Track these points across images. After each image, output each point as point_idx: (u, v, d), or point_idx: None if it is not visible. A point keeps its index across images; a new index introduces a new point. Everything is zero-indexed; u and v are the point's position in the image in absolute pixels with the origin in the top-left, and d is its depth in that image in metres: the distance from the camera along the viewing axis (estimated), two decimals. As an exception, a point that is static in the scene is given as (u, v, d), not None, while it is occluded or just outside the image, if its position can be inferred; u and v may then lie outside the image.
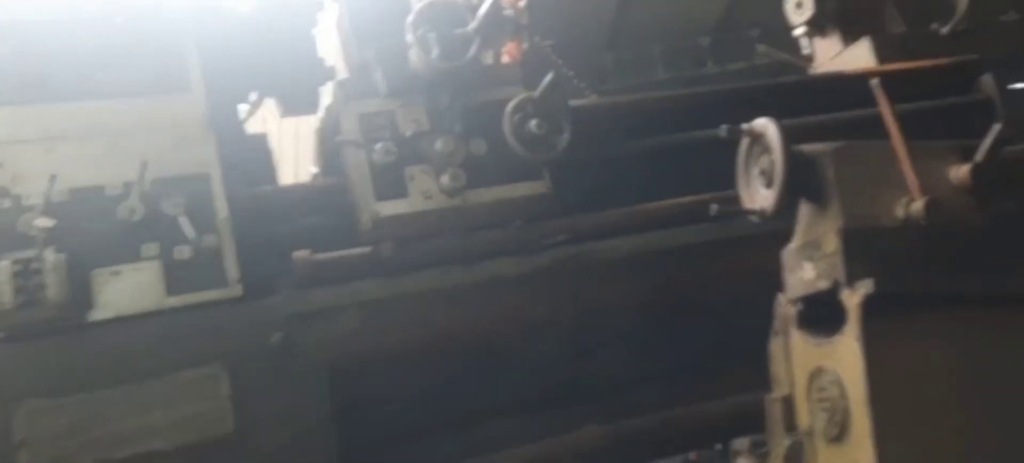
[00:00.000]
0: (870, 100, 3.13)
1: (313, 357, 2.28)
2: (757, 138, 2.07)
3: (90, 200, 2.23)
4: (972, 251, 1.99)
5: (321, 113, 2.66)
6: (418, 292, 2.40)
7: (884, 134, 1.99)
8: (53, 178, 2.15)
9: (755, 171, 2.09)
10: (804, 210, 2.05)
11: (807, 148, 2.03)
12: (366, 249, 2.39)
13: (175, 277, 2.25)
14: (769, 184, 2.02)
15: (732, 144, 2.84)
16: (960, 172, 1.99)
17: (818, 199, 2.00)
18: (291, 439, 2.23)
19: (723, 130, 2.10)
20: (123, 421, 2.13)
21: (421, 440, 2.46)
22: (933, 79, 3.30)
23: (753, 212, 2.08)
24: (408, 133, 2.40)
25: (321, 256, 2.35)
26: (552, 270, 2.51)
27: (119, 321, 2.18)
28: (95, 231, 2.21)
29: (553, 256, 2.52)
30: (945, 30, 3.51)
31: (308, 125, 2.98)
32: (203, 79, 2.40)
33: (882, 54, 3.35)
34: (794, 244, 2.07)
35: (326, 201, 2.52)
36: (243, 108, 2.82)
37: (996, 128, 1.97)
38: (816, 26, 3.53)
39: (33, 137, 2.24)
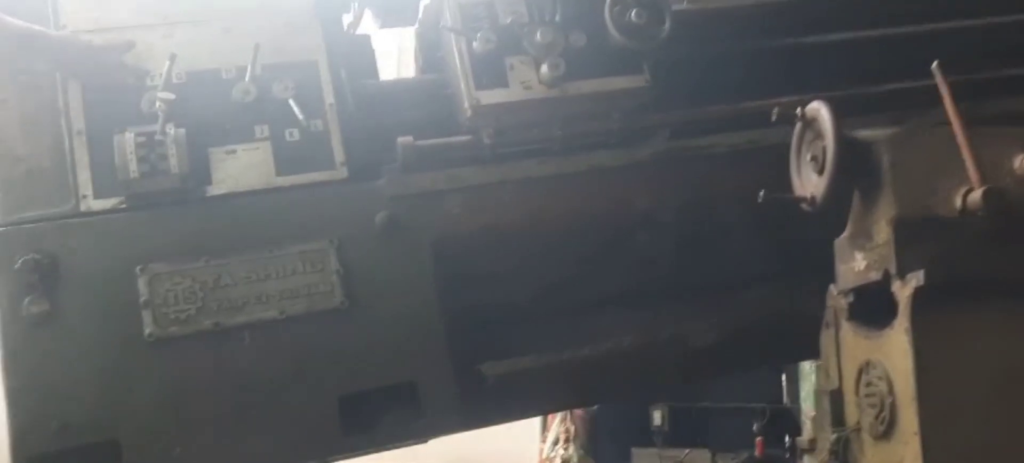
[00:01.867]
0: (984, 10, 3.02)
1: (417, 237, 2.33)
2: (810, 122, 2.00)
3: (206, 82, 2.33)
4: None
5: (420, 16, 2.72)
6: (517, 179, 2.43)
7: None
8: (173, 57, 2.25)
9: (807, 156, 2.02)
10: (857, 198, 1.98)
11: (862, 134, 1.95)
12: (466, 137, 2.43)
13: (285, 158, 2.33)
14: (821, 171, 1.95)
15: (829, 50, 2.81)
16: None
17: (871, 187, 1.92)
18: (398, 313, 2.29)
19: (774, 114, 2.04)
20: (237, 288, 2.21)
21: (522, 323, 2.48)
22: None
23: (804, 199, 2.01)
24: (507, 22, 2.43)
25: (423, 142, 2.39)
26: (652, 163, 2.51)
27: (234, 196, 2.27)
28: (211, 111, 2.30)
29: (652, 149, 2.52)
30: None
31: (408, 38, 3.04)
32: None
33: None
34: (846, 233, 2.00)
35: (428, 94, 2.56)
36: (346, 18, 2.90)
37: None
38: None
39: (153, 21, 2.34)
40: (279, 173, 2.31)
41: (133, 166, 2.17)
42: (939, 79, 1.91)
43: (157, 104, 2.20)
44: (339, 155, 2.35)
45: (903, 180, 1.88)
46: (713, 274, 2.64)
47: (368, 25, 3.03)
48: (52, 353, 2.10)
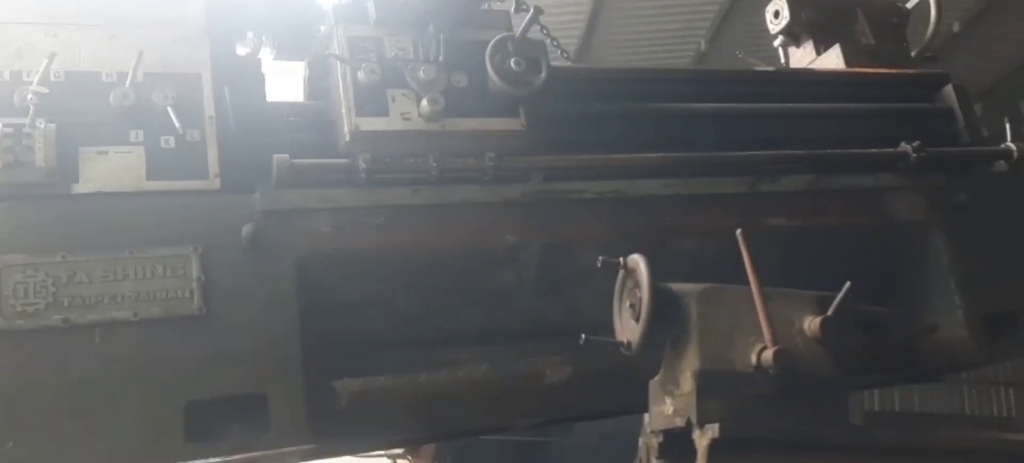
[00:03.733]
0: (828, 97, 3.32)
1: (283, 252, 2.36)
2: (630, 272, 2.16)
3: (86, 84, 2.35)
4: (820, 400, 2.05)
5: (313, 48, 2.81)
6: (390, 205, 2.50)
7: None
8: (52, 55, 2.27)
9: (627, 303, 2.17)
10: (669, 346, 2.12)
11: (675, 287, 2.12)
12: (343, 160, 2.49)
13: (158, 164, 2.35)
14: (637, 318, 2.09)
15: (691, 117, 3.02)
16: (813, 323, 2.06)
17: (681, 337, 2.07)
18: (255, 325, 2.30)
19: (599, 262, 2.18)
20: (92, 286, 2.20)
21: (380, 349, 2.51)
22: (898, 86, 3.47)
23: (622, 344, 2.16)
24: (392, 56, 2.54)
25: (299, 161, 2.45)
26: (521, 202, 2.62)
27: (100, 196, 2.28)
28: (87, 112, 2.32)
29: (523, 189, 2.63)
30: (914, 53, 3.72)
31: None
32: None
33: (851, 61, 3.53)
34: (658, 377, 2.13)
35: (311, 119, 2.64)
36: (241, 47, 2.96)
37: (847, 286, 2.07)
38: (791, 35, 3.72)
39: (39, 20, 2.37)
40: (150, 178, 2.33)
41: (-4, 155, 2.17)
42: (741, 244, 2.09)
43: (29, 97, 2.21)
44: (214, 167, 2.38)
45: (707, 334, 2.05)
46: (572, 317, 2.72)
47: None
48: None
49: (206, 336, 2.25)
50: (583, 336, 2.22)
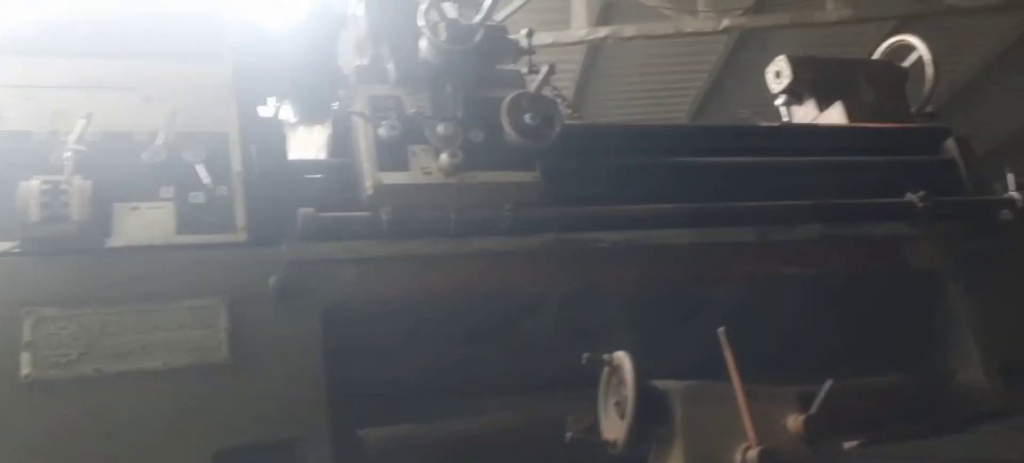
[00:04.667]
0: (834, 151, 3.42)
1: (309, 302, 2.42)
2: (615, 369, 2.19)
3: (119, 143, 2.44)
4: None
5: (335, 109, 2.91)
6: (411, 255, 2.56)
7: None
8: (89, 116, 2.37)
9: (612, 401, 2.18)
10: (654, 444, 2.13)
11: (660, 384, 2.13)
12: (366, 213, 2.57)
13: (187, 218, 2.43)
14: (623, 416, 2.10)
15: (701, 170, 3.11)
16: (796, 422, 2.08)
17: (666, 436, 2.09)
18: (282, 374, 2.34)
19: (584, 358, 2.21)
20: (124, 337, 2.25)
21: (405, 397, 2.54)
22: (901, 139, 3.57)
23: (608, 442, 2.17)
24: (412, 113, 2.64)
25: (324, 214, 2.53)
26: (540, 251, 2.68)
27: (132, 249, 2.35)
28: (120, 170, 2.41)
29: (541, 239, 2.70)
30: (914, 110, 3.83)
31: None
32: (235, 56, 2.66)
33: (853, 117, 3.63)
34: None
35: (334, 175, 2.72)
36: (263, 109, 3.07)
37: (828, 384, 2.09)
38: (793, 94, 3.83)
39: (76, 83, 2.48)
40: (180, 231, 2.41)
41: (34, 211, 2.24)
42: (724, 345, 2.13)
43: (66, 154, 2.30)
44: (241, 220, 2.46)
45: (692, 433, 2.06)
46: (596, 365, 2.75)
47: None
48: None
49: (234, 384, 2.29)
50: (569, 434, 2.21)
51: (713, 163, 3.13)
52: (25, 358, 2.16)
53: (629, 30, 7.85)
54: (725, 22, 7.79)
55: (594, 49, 8.66)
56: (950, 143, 3.53)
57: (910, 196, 3.14)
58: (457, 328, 2.62)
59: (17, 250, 2.26)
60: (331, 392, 2.36)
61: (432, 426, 2.47)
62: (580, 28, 7.78)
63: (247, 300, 2.37)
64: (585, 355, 2.18)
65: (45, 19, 2.55)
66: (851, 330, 3.02)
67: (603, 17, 8.18)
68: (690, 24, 7.82)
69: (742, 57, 8.98)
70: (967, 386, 2.98)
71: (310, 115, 3.16)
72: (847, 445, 3.91)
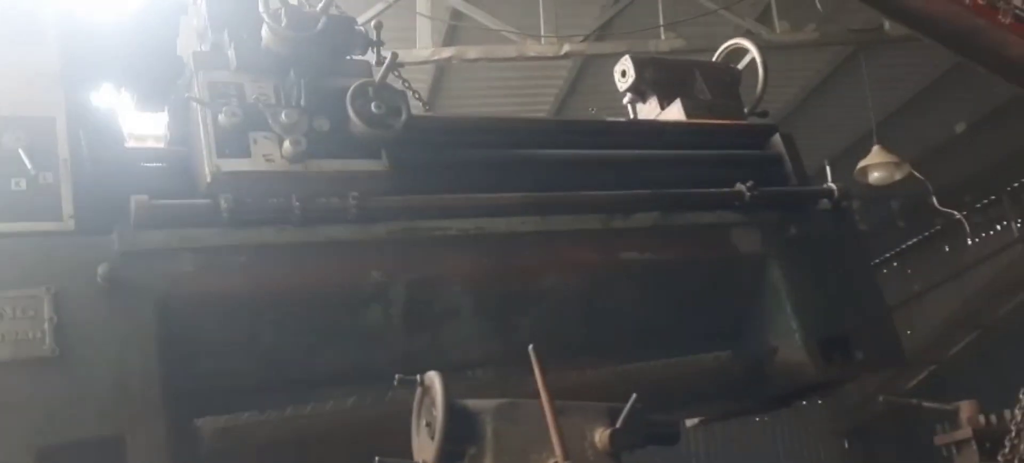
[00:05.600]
0: (673, 146, 3.62)
1: (141, 293, 2.34)
2: (427, 390, 2.17)
3: (-71, 126, 2.29)
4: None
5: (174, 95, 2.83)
6: (253, 244, 2.52)
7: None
8: None
9: (423, 422, 2.17)
10: (467, 460, 2.11)
11: (471, 403, 2.13)
12: (205, 201, 2.51)
13: (8, 205, 2.30)
14: (433, 435, 2.09)
15: (549, 163, 3.22)
16: (603, 436, 2.11)
17: (477, 455, 2.09)
18: (112, 367, 2.25)
19: (396, 380, 2.18)
20: (-65, 331, 2.11)
21: (247, 391, 2.50)
22: (733, 135, 3.81)
23: None
24: (253, 100, 2.60)
25: (159, 201, 2.45)
26: (387, 241, 2.70)
27: (-53, 237, 2.21)
28: (-69, 154, 2.26)
29: (388, 227, 2.72)
30: (747, 111, 4.10)
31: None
32: (60, 42, 2.54)
33: (691, 114, 3.85)
34: None
35: (170, 163, 2.64)
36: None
37: (634, 398, 2.13)
38: (637, 92, 4.02)
39: None
40: (1, 219, 2.28)
41: None
42: (533, 360, 2.13)
43: None
44: (68, 208, 2.35)
45: (502, 451, 2.07)
46: (440, 354, 2.80)
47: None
48: None
49: (59, 379, 2.20)
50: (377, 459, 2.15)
51: (558, 155, 3.25)
52: None
53: (473, 52, 8.03)
54: (566, 48, 8.09)
55: (440, 70, 8.79)
56: (776, 139, 3.81)
57: (739, 186, 3.36)
58: (301, 319, 2.60)
59: None
60: (167, 385, 2.30)
61: (272, 415, 2.43)
62: (425, 48, 7.88)
63: (74, 291, 2.27)
64: (396, 377, 2.17)
65: None
66: (683, 313, 3.20)
67: (449, 38, 8.32)
68: (533, 48, 8.07)
69: (586, 82, 9.35)
70: (788, 362, 3.22)
71: (148, 103, 3.05)
72: (689, 423, 4.16)
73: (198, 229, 2.48)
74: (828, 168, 3.76)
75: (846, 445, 14.73)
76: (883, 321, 3.48)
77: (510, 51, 8.12)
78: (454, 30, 8.40)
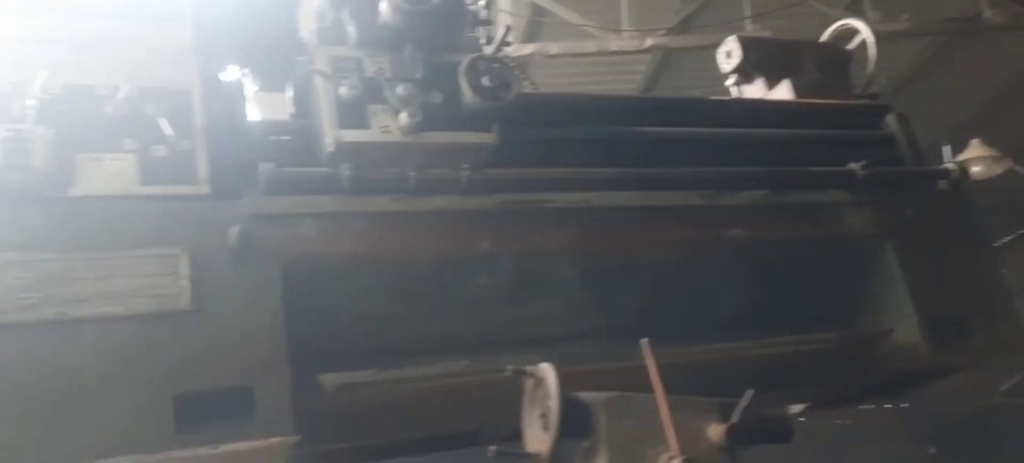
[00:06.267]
0: (777, 124, 3.57)
1: (268, 253, 2.48)
2: (539, 382, 2.21)
3: (81, 96, 2.47)
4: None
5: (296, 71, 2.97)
6: (371, 212, 2.64)
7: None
8: (51, 67, 2.41)
9: (536, 413, 2.20)
10: (579, 456, 2.17)
11: (584, 396, 2.15)
12: (327, 169, 2.64)
13: (149, 170, 2.47)
14: (547, 428, 2.13)
15: (654, 141, 3.22)
16: (717, 431, 2.13)
17: (590, 448, 2.13)
18: (242, 321, 2.39)
19: (508, 370, 2.23)
20: (86, 283, 2.29)
21: (362, 353, 2.61)
22: (844, 115, 3.73)
23: (531, 455, 2.20)
24: (372, 73, 2.71)
25: (285, 169, 2.59)
26: (496, 211, 2.77)
27: (94, 199, 2.39)
28: (83, 122, 2.45)
29: (497, 200, 2.79)
30: (858, 91, 3.99)
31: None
32: (193, 17, 2.71)
33: (800, 95, 3.78)
34: None
35: (295, 135, 2.78)
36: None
37: (750, 393, 2.14)
38: (743, 73, 3.97)
39: (36, 38, 2.51)
40: (143, 183, 2.45)
41: (-3, 157, 2.28)
42: (646, 354, 2.17)
43: (29, 102, 2.34)
44: (203, 173, 2.51)
45: (616, 444, 2.10)
46: (544, 324, 2.86)
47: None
48: None
49: (195, 331, 2.34)
50: (492, 448, 2.24)
51: (663, 133, 3.25)
52: (-13, 302, 2.20)
53: (554, 48, 8.01)
54: (648, 41, 7.99)
55: (521, 66, 8.83)
56: (891, 119, 3.70)
57: (851, 165, 3.28)
58: (413, 283, 2.70)
59: (-23, 198, 2.29)
60: (291, 341, 2.42)
61: (389, 374, 2.54)
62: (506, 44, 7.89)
63: (208, 250, 2.42)
64: (507, 368, 2.20)
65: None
66: (790, 294, 3.16)
67: (529, 34, 8.34)
68: (615, 42, 7.99)
69: (665, 78, 9.22)
70: (902, 344, 3.13)
71: (269, 82, 3.21)
72: (794, 411, 4.08)
73: (320, 196, 2.61)
74: (946, 149, 3.61)
75: (932, 451, 14.07)
76: (1004, 307, 3.34)
77: (591, 46, 8.09)
78: (534, 25, 8.42)
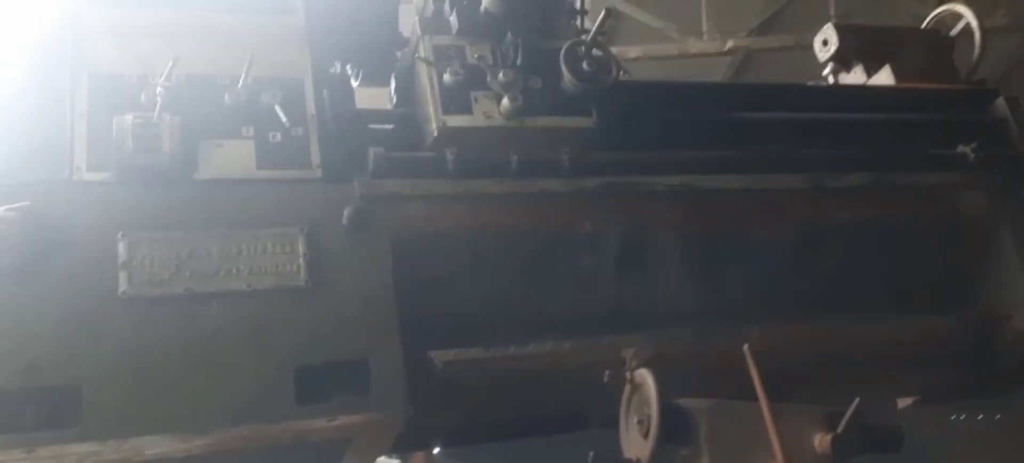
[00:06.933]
0: (881, 110, 3.48)
1: (379, 233, 2.55)
2: (637, 387, 2.15)
3: (203, 86, 2.60)
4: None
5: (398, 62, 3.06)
6: (475, 194, 2.69)
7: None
8: (176, 59, 2.54)
9: (634, 419, 2.14)
10: (680, 460, 2.10)
11: (684, 402, 2.09)
12: (432, 154, 2.70)
13: (266, 155, 2.58)
14: (646, 435, 2.07)
15: (754, 125, 3.19)
16: (824, 441, 2.05)
17: (691, 455, 2.06)
18: (356, 297, 2.47)
19: (605, 376, 2.18)
20: (211, 260, 2.40)
21: (470, 327, 2.65)
22: (951, 100, 3.62)
23: (630, 461, 2.13)
24: (474, 60, 2.77)
25: (393, 153, 2.67)
26: (597, 193, 2.79)
27: (217, 182, 2.50)
28: (204, 110, 2.57)
29: (598, 182, 2.81)
30: (964, 76, 3.87)
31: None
32: (305, 10, 2.83)
33: (902, 80, 3.69)
34: None
35: (399, 122, 2.86)
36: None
37: (856, 402, 2.05)
38: (841, 61, 3.90)
39: (160, 32, 2.65)
40: (260, 167, 2.56)
41: (129, 143, 2.41)
42: (749, 361, 2.08)
43: (158, 91, 2.47)
44: (316, 158, 2.61)
45: (718, 451, 2.04)
46: (648, 305, 2.85)
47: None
48: (29, 300, 2.25)
49: (313, 306, 2.43)
50: (591, 454, 2.17)
51: (765, 118, 3.22)
52: (123, 277, 2.32)
53: (634, 51, 7.94)
54: (730, 43, 7.85)
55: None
56: (1000, 102, 3.58)
57: (962, 147, 3.19)
58: (518, 265, 2.73)
59: (112, 180, 2.43)
60: (403, 317, 2.49)
61: (497, 350, 2.57)
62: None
63: (323, 230, 2.51)
64: (606, 372, 2.17)
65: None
66: (896, 276, 3.08)
67: (608, 38, 8.28)
68: (695, 45, 7.88)
69: (746, 79, 9.05)
70: (1021, 332, 3.02)
71: (372, 76, 3.31)
72: (902, 404, 3.94)
73: (426, 179, 2.68)
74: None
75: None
76: None
77: (672, 49, 8.01)
78: (612, 30, 8.39)
